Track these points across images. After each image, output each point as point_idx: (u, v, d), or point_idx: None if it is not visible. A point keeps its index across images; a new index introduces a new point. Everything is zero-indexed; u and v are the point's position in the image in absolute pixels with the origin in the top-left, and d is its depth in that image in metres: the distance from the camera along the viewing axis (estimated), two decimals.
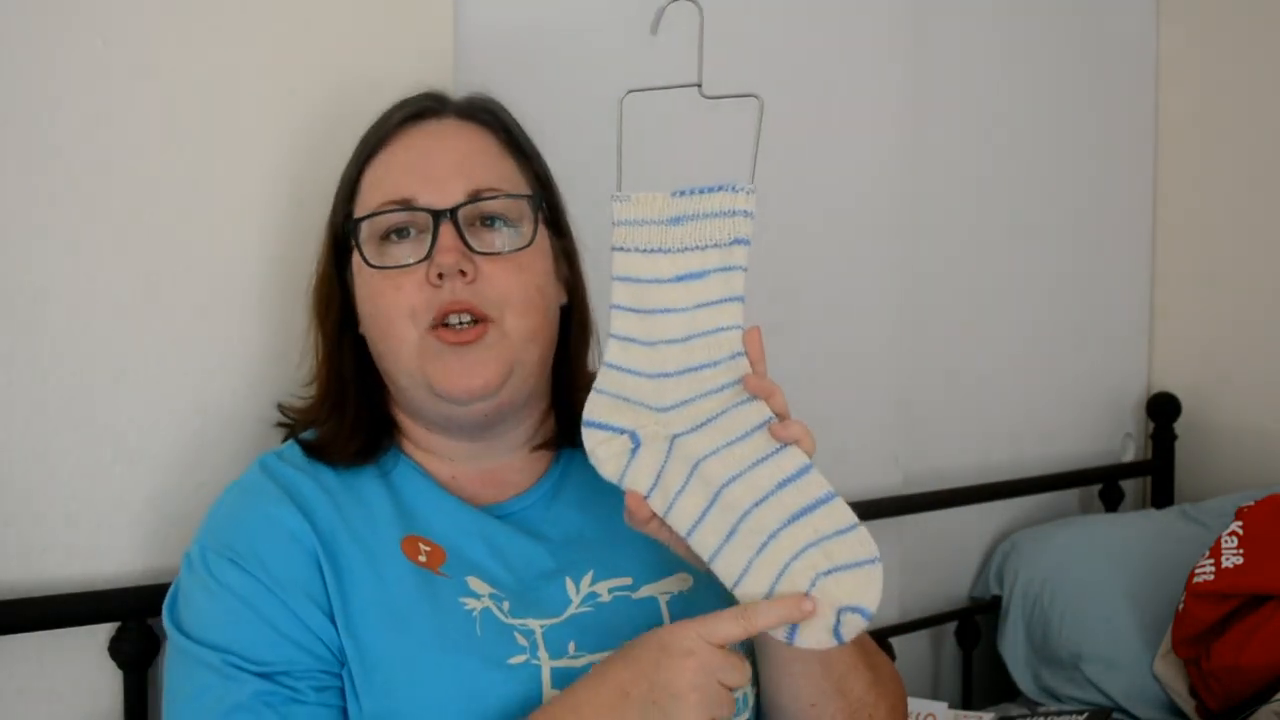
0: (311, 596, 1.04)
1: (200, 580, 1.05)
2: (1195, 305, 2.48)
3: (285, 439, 1.19)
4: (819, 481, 0.97)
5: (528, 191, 1.14)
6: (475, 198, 1.10)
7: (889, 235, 2.00)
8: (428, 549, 1.09)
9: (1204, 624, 1.80)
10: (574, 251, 1.20)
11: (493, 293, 1.08)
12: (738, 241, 0.98)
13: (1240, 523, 1.84)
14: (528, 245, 1.11)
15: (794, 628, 0.95)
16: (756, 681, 1.15)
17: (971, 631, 2.09)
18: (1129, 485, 2.45)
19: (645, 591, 1.10)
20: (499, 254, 1.10)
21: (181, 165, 1.25)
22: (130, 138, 1.22)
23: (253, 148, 1.30)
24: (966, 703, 2.08)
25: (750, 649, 1.12)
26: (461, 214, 1.09)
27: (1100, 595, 2.02)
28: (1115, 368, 2.48)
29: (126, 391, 1.23)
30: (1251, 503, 1.89)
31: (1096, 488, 2.38)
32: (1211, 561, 1.82)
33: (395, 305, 1.08)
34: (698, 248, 0.99)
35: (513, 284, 1.09)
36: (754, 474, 0.98)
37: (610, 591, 1.09)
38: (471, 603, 1.06)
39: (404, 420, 1.16)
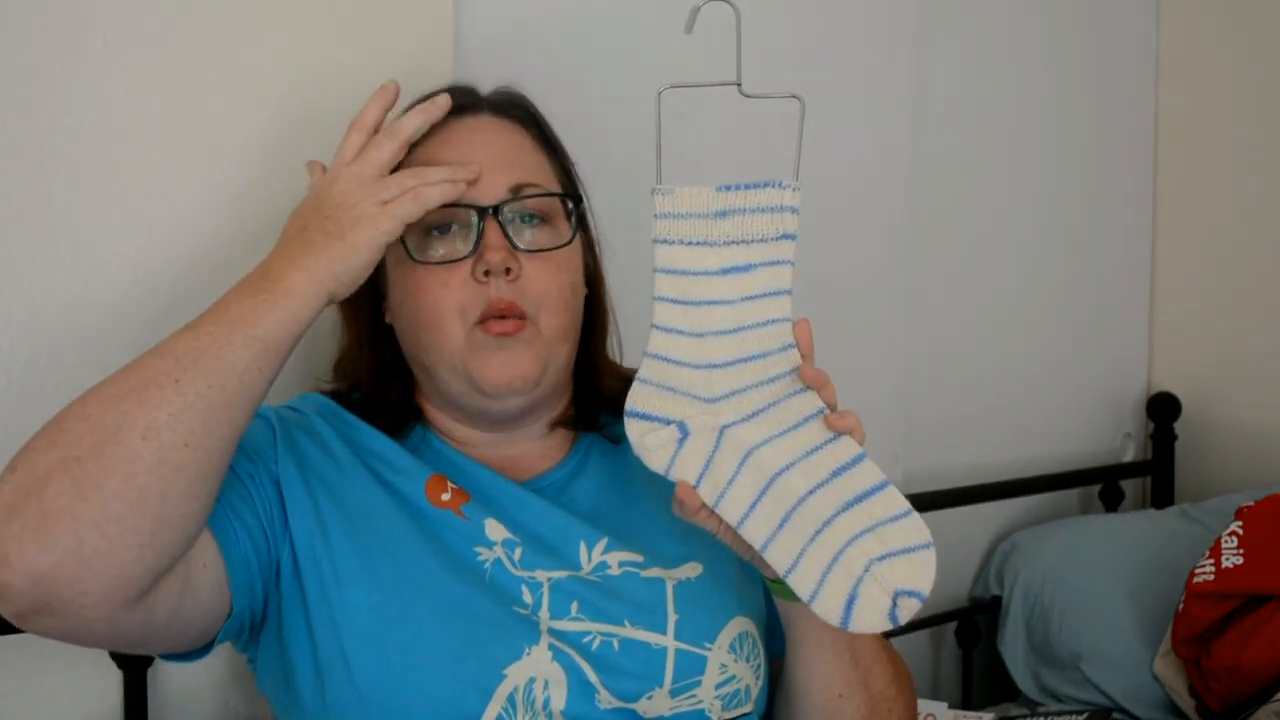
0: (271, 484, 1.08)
1: None
2: (1195, 305, 2.48)
3: None
4: (873, 470, 0.99)
5: (560, 187, 1.17)
6: (517, 193, 1.12)
7: (888, 235, 2.00)
8: (454, 487, 1.12)
9: (1204, 624, 1.80)
10: (594, 243, 1.23)
11: (533, 291, 1.10)
12: (785, 237, 1.01)
13: (1240, 523, 1.84)
14: (568, 243, 1.14)
15: (849, 612, 0.96)
16: (768, 679, 1.16)
17: (971, 631, 2.09)
18: (1129, 485, 2.44)
19: (654, 572, 1.11)
20: (542, 252, 1.11)
21: (181, 163, 1.25)
22: (130, 137, 1.22)
23: (252, 146, 1.30)
24: (966, 703, 2.08)
25: (780, 637, 1.14)
26: (504, 211, 1.11)
27: (1100, 595, 2.02)
28: (1115, 368, 2.48)
29: None
30: (1251, 503, 1.89)
31: (1096, 488, 2.38)
32: (1211, 561, 1.82)
33: (443, 301, 1.10)
34: (743, 242, 1.01)
35: (551, 283, 1.11)
36: (809, 462, 1.00)
37: (620, 565, 1.11)
38: (484, 553, 1.08)
39: (430, 410, 1.18)
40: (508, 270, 1.09)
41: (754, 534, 0.99)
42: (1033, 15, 2.26)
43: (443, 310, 1.10)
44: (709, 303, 1.01)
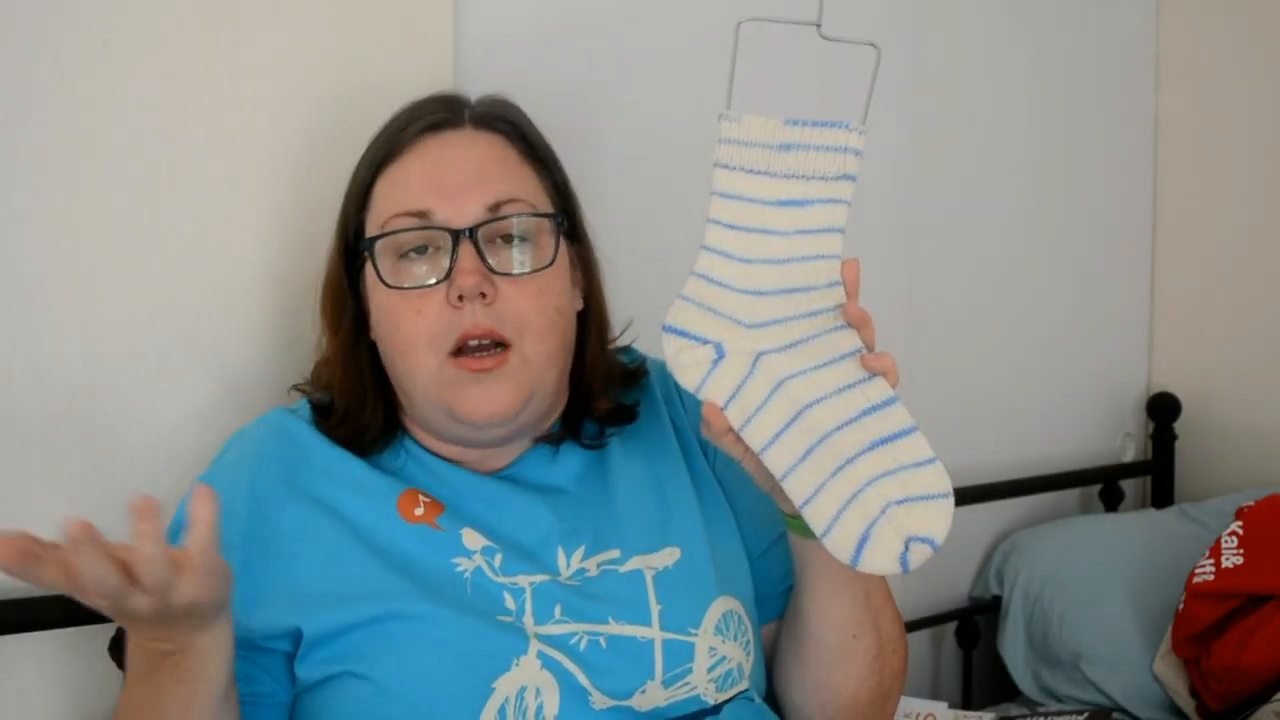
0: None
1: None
2: (1195, 305, 2.48)
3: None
4: (902, 413, 1.00)
5: (548, 204, 1.13)
6: (495, 213, 1.08)
7: (888, 235, 2.00)
8: (427, 500, 1.10)
9: (1204, 624, 1.80)
10: (590, 257, 1.19)
11: (512, 315, 1.07)
12: (845, 177, 1.02)
13: (1240, 523, 1.84)
14: (549, 265, 1.10)
15: (859, 550, 0.96)
16: (761, 653, 1.16)
17: (971, 631, 2.09)
18: (1129, 485, 2.45)
19: (632, 564, 1.11)
20: (520, 275, 1.08)
21: (180, 165, 1.25)
22: (130, 138, 1.22)
23: (251, 147, 1.30)
24: (966, 703, 2.08)
25: (768, 605, 1.15)
26: (481, 232, 1.07)
27: (1100, 595, 2.02)
28: (1115, 368, 2.48)
29: (126, 392, 1.23)
30: (1251, 503, 1.89)
31: (1096, 488, 2.38)
32: (1211, 561, 1.82)
33: (415, 329, 1.07)
34: (802, 177, 1.01)
35: (531, 307, 1.08)
36: (840, 398, 0.99)
37: (599, 566, 1.10)
38: (463, 563, 1.07)
39: (413, 427, 1.16)
40: (483, 295, 1.06)
41: (775, 462, 0.99)
42: (1032, 15, 2.26)
43: (415, 339, 1.07)
44: (762, 231, 1.01)
